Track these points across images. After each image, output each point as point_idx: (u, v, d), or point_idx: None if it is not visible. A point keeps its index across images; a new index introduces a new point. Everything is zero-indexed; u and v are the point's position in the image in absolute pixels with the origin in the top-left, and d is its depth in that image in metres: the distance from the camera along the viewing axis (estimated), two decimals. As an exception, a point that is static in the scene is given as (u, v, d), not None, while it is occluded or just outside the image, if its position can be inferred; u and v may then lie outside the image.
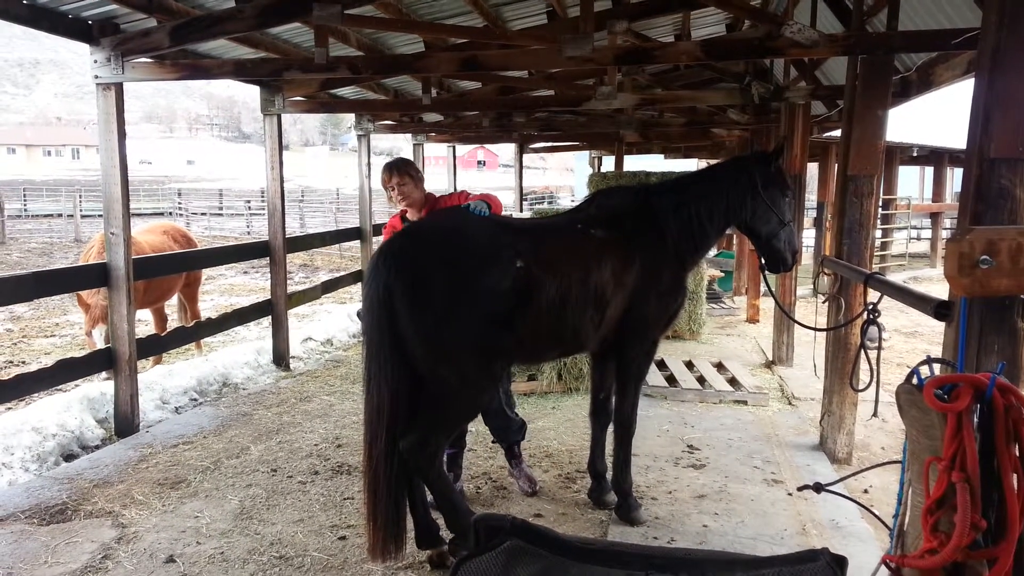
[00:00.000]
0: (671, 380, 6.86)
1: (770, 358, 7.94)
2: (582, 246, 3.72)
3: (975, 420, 2.02)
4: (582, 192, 23.58)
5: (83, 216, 26.96)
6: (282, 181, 7.71)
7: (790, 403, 6.48)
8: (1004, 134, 2.52)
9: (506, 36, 5.84)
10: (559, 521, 4.09)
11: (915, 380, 2.19)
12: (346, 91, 9.19)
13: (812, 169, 15.45)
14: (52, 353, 8.93)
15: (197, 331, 7.29)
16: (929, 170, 23.16)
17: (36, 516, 4.13)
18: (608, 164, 18.59)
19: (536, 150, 16.90)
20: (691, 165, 22.49)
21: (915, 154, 18.67)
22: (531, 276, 3.40)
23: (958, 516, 1.91)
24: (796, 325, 5.53)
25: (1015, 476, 1.99)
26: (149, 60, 5.63)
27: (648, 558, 1.90)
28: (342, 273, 12.23)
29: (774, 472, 4.82)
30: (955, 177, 23.05)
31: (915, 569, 2.04)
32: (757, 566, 1.87)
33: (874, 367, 3.76)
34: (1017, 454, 2.00)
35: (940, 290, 3.58)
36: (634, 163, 18.59)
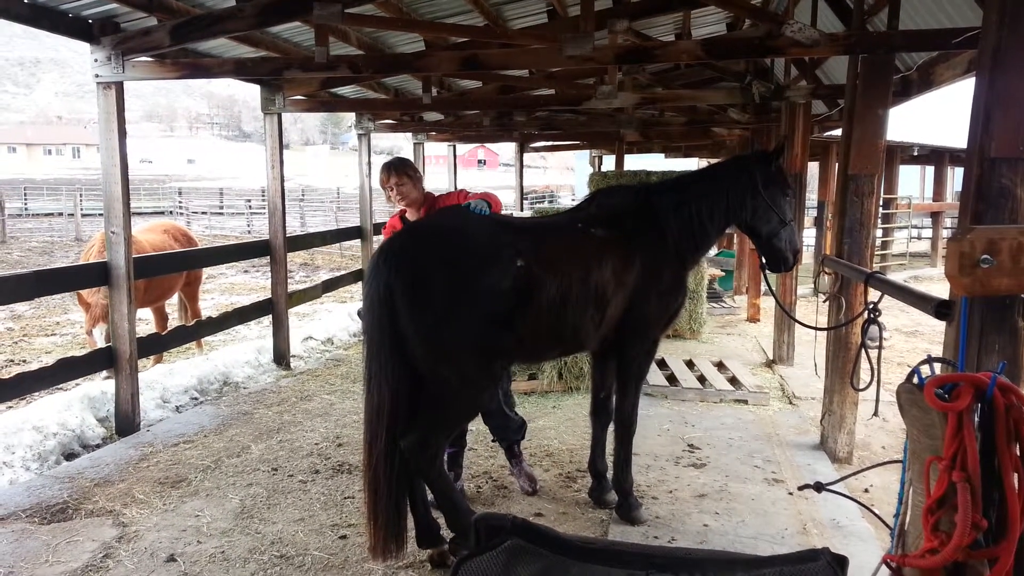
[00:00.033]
0: (672, 379, 6.86)
1: (771, 357, 7.94)
2: (583, 245, 3.72)
3: (976, 419, 2.02)
4: (582, 191, 23.58)
5: (84, 215, 26.97)
6: (282, 180, 7.71)
7: (791, 402, 6.48)
8: (1005, 133, 2.52)
9: (507, 35, 5.85)
10: (560, 520, 4.09)
11: (916, 379, 2.19)
12: (346, 90, 9.19)
13: (813, 168, 15.44)
14: (53, 352, 8.94)
15: (198, 330, 7.29)
16: (930, 169, 23.14)
17: (37, 515, 4.13)
18: (609, 163, 18.58)
19: (536, 149, 16.91)
20: (691, 164, 22.48)
21: (916, 153, 18.66)
22: (532, 275, 3.40)
23: (959, 516, 1.91)
24: (797, 324, 5.53)
25: (1016, 475, 1.99)
26: (149, 59, 5.63)
27: (649, 557, 1.90)
28: (343, 272, 12.23)
29: (775, 471, 4.82)
30: (956, 176, 23.05)
31: (916, 569, 2.04)
32: (758, 565, 1.87)
33: (875, 366, 3.76)
34: (1018, 453, 2.00)
35: (941, 289, 3.58)
36: (634, 162, 18.60)
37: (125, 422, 5.62)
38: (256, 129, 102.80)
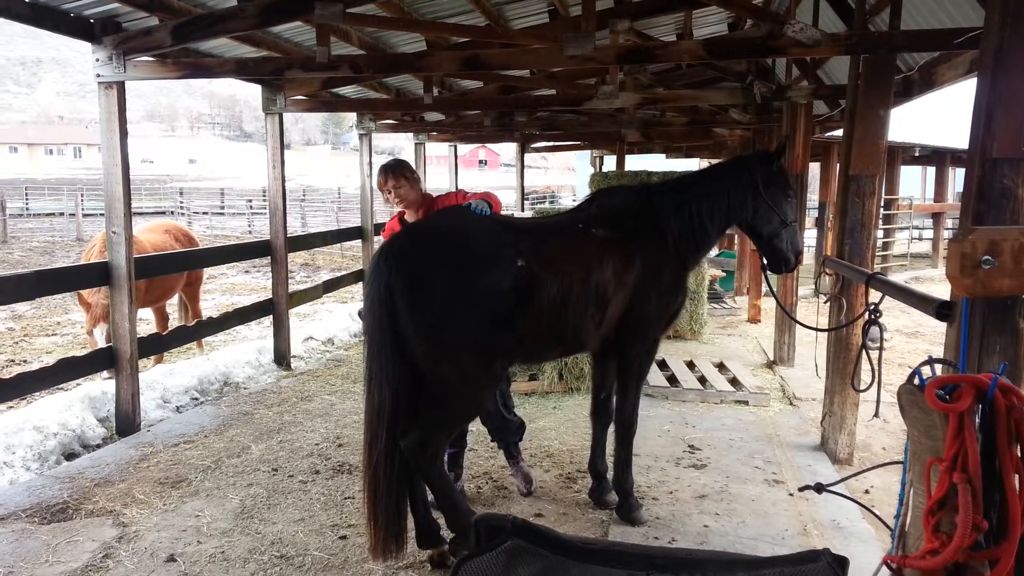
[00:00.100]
0: (672, 380, 6.86)
1: (771, 358, 7.93)
2: (583, 245, 3.72)
3: (977, 421, 2.02)
4: (583, 192, 23.58)
5: (85, 215, 26.97)
6: (284, 180, 7.71)
7: (791, 403, 6.48)
8: (1007, 134, 2.51)
9: (508, 35, 5.85)
10: (560, 521, 4.09)
11: (917, 380, 2.19)
12: (348, 90, 9.19)
13: (814, 169, 15.41)
14: (53, 352, 8.94)
15: (198, 330, 7.29)
16: (931, 170, 23.13)
17: (37, 515, 4.13)
18: (610, 163, 18.59)
19: (538, 149, 16.90)
20: (693, 165, 22.47)
21: (917, 154, 18.64)
22: (532, 275, 3.40)
23: (960, 517, 1.90)
24: (797, 325, 5.53)
25: (1017, 477, 1.98)
26: (151, 59, 5.64)
27: (649, 558, 1.89)
28: (343, 272, 12.24)
29: (775, 472, 4.82)
30: (957, 177, 23.06)
31: (916, 570, 2.04)
32: (758, 566, 1.87)
33: (875, 367, 3.76)
34: (1019, 455, 2.00)
35: (942, 290, 3.57)
36: (636, 163, 18.59)
37: (125, 422, 5.62)
38: (257, 129, 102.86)
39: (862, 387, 4.13)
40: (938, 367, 2.28)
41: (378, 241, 9.30)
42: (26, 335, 10.23)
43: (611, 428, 4.19)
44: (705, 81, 10.80)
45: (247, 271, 17.01)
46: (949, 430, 1.98)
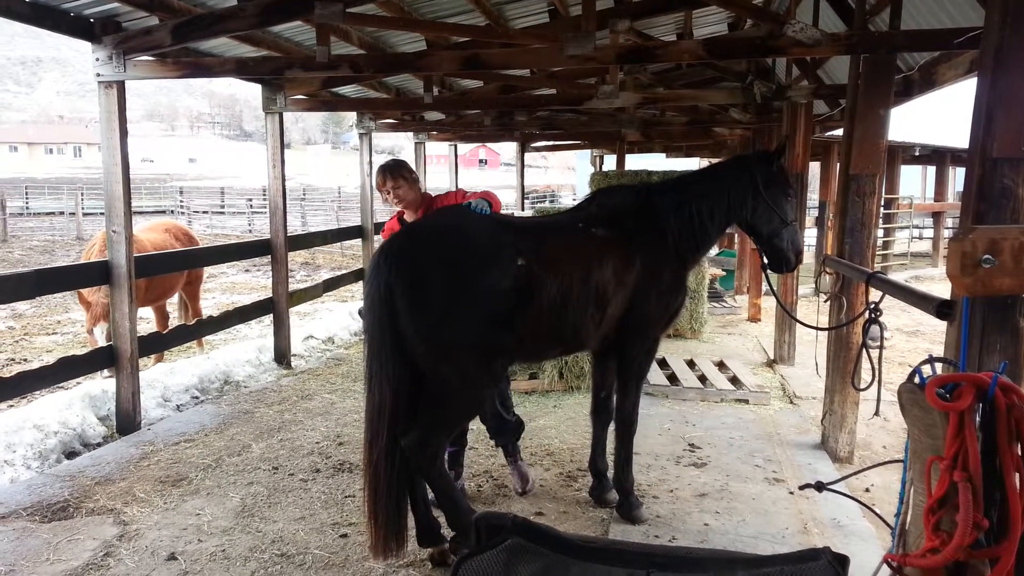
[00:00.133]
0: (672, 379, 6.86)
1: (772, 357, 7.94)
2: (583, 245, 3.72)
3: (977, 419, 2.02)
4: (584, 191, 23.56)
5: (85, 214, 26.97)
6: (284, 179, 7.71)
7: (791, 402, 6.48)
8: (1007, 133, 2.52)
9: (508, 35, 5.85)
10: (560, 519, 4.09)
11: (917, 379, 2.19)
12: (348, 89, 9.18)
13: (814, 168, 15.41)
14: (54, 351, 8.95)
15: (199, 329, 7.30)
16: (931, 169, 23.12)
17: (38, 513, 4.13)
18: (610, 163, 18.58)
19: (538, 149, 16.90)
20: (693, 164, 22.47)
21: (917, 153, 18.64)
22: (532, 275, 3.40)
23: (960, 515, 1.91)
24: (798, 324, 5.53)
25: (1017, 475, 1.99)
26: (151, 58, 5.64)
27: (649, 556, 1.90)
28: (343, 271, 12.23)
29: (775, 471, 4.82)
30: (957, 177, 23.04)
31: (917, 568, 2.04)
32: (758, 565, 1.87)
33: (876, 366, 3.76)
34: (1019, 453, 2.00)
35: (942, 289, 3.58)
36: (636, 162, 18.60)
37: (126, 421, 5.62)
38: (257, 128, 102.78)
39: (862, 386, 4.14)
40: (938, 366, 2.29)
41: (378, 240, 9.30)
42: (26, 334, 10.23)
43: (611, 427, 4.19)
44: (705, 81, 10.80)
45: (247, 270, 17.02)
46: (950, 429, 1.99)
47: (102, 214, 5.85)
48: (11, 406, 6.08)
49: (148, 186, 43.31)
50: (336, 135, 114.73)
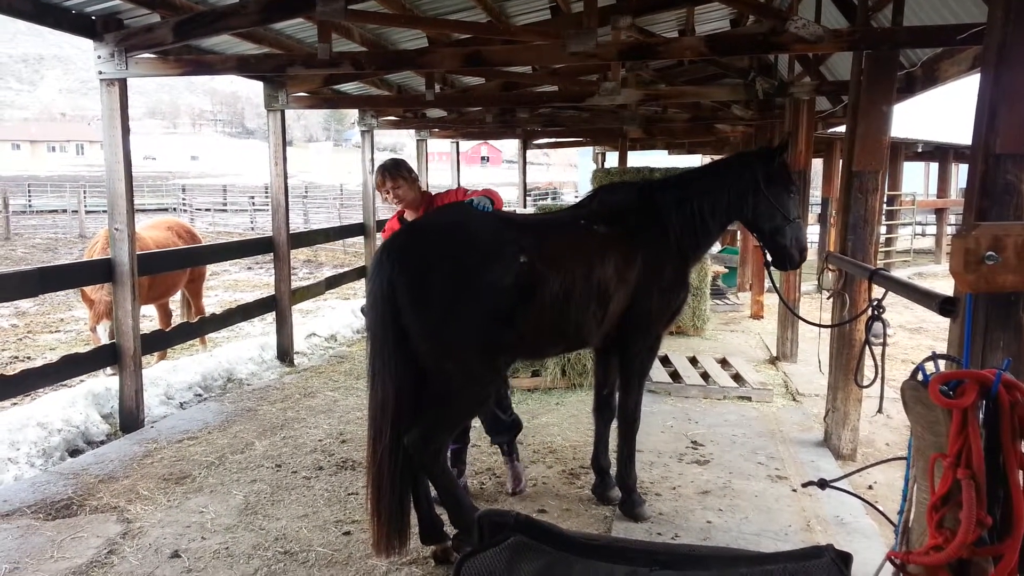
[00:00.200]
0: (675, 376, 6.86)
1: (774, 354, 7.93)
2: (585, 242, 3.72)
3: (980, 416, 2.02)
4: (585, 188, 23.54)
5: (87, 212, 27.02)
6: (286, 177, 7.71)
7: (794, 399, 6.48)
8: (1010, 129, 2.51)
9: (510, 32, 5.83)
10: (563, 517, 4.09)
11: (920, 376, 2.19)
12: (349, 87, 9.19)
13: (817, 165, 15.39)
14: (57, 349, 8.97)
15: (201, 327, 7.31)
16: (934, 166, 23.08)
17: (42, 511, 4.14)
18: (612, 160, 18.57)
19: (540, 146, 16.91)
20: (695, 161, 22.45)
21: (920, 150, 18.61)
22: (534, 272, 3.40)
23: (963, 513, 1.91)
24: (800, 321, 5.52)
25: (1021, 472, 1.98)
26: (153, 56, 5.63)
27: (652, 554, 1.90)
28: (346, 269, 12.24)
29: (778, 468, 4.82)
30: (960, 173, 22.98)
31: (920, 566, 2.04)
32: (761, 562, 1.87)
33: (879, 363, 3.75)
34: (1023, 450, 2.00)
35: (945, 286, 3.57)
36: (638, 159, 18.58)
37: (129, 419, 5.64)
38: (259, 126, 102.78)
39: (865, 383, 4.13)
40: (942, 363, 2.28)
41: (380, 239, 9.31)
42: (30, 332, 10.25)
43: (614, 424, 4.19)
44: (707, 77, 10.79)
45: (250, 268, 17.04)
46: (953, 426, 1.99)
47: (105, 212, 5.85)
48: (15, 404, 6.10)
49: (151, 184, 43.37)
50: (338, 132, 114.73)
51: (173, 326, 7.19)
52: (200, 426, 5.62)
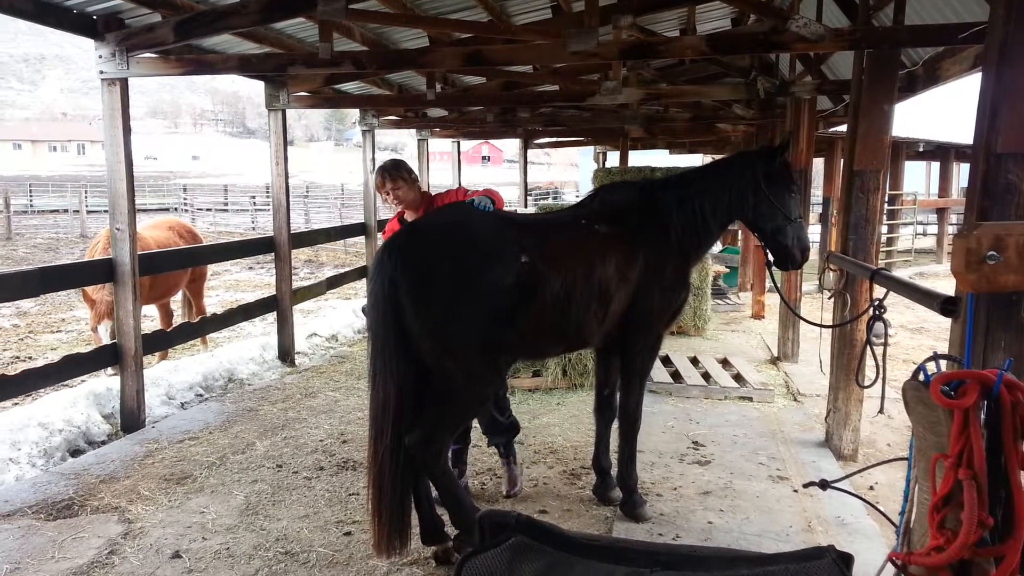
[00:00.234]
0: (676, 376, 6.86)
1: (775, 354, 7.92)
2: (586, 241, 3.71)
3: (982, 417, 2.01)
4: (587, 187, 23.53)
5: (89, 212, 27.04)
6: (287, 176, 7.72)
7: (795, 399, 6.47)
8: (1012, 129, 2.50)
9: (511, 31, 5.83)
10: (564, 517, 4.09)
11: (922, 376, 2.18)
12: (350, 86, 9.19)
13: (818, 164, 15.40)
14: (58, 349, 8.97)
15: (202, 327, 7.31)
16: (935, 165, 23.06)
17: (43, 511, 4.14)
18: (613, 159, 18.55)
19: (541, 145, 16.91)
20: (696, 160, 22.45)
21: (921, 149, 18.58)
22: (536, 271, 3.40)
23: (965, 513, 1.90)
24: (802, 321, 5.52)
25: (1023, 473, 1.98)
26: (154, 55, 5.64)
27: (653, 554, 1.90)
28: (347, 269, 12.25)
29: (779, 468, 4.81)
30: (962, 172, 22.96)
31: (921, 566, 2.04)
32: (762, 563, 1.87)
33: (880, 363, 3.75)
34: (1024, 451, 2.00)
35: (946, 286, 3.56)
36: (639, 158, 18.57)
37: (130, 419, 5.64)
38: (260, 125, 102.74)
39: (866, 383, 4.13)
40: (943, 363, 2.28)
41: (380, 239, 9.31)
42: (31, 332, 10.26)
43: (615, 424, 4.19)
44: (708, 76, 10.78)
45: (251, 267, 17.04)
46: (954, 426, 1.98)
47: (106, 212, 5.85)
48: (16, 404, 6.11)
49: (152, 183, 43.38)
50: (339, 132, 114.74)
51: (174, 326, 7.19)
52: (201, 426, 5.62)
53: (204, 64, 5.80)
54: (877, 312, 3.79)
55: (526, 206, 16.29)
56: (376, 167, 4.21)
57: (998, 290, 2.47)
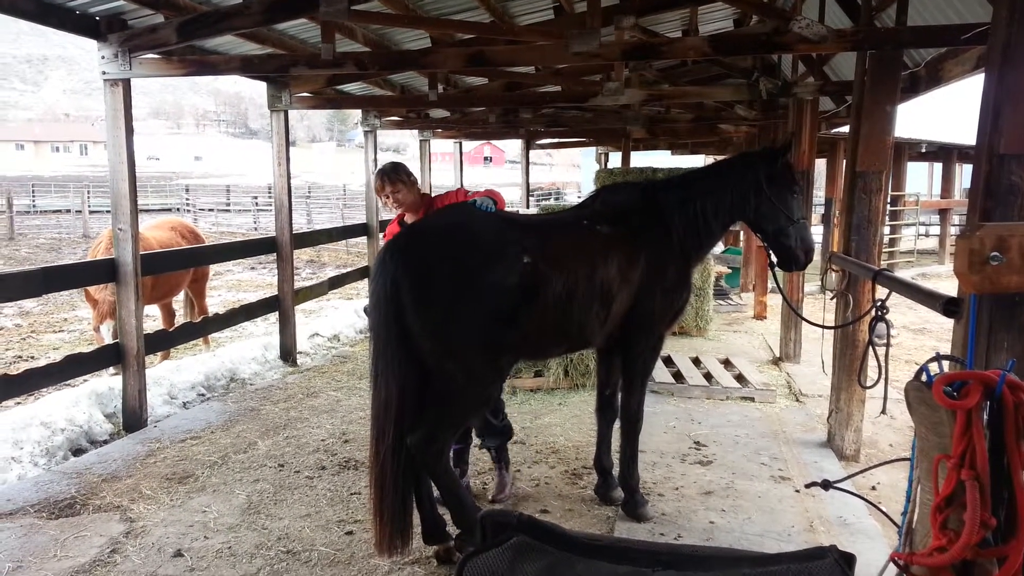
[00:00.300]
0: (678, 376, 6.85)
1: (777, 355, 7.92)
2: (588, 242, 3.71)
3: (985, 417, 2.01)
4: (588, 188, 23.52)
5: (91, 212, 27.08)
6: (289, 177, 7.72)
7: (797, 400, 6.47)
8: (1014, 130, 2.50)
9: (513, 32, 5.83)
10: (565, 517, 4.09)
11: (924, 377, 2.18)
12: (352, 87, 9.20)
13: (820, 165, 15.36)
14: (61, 348, 8.98)
15: (204, 327, 7.31)
16: (938, 166, 23.00)
17: (45, 510, 4.15)
18: (615, 160, 18.55)
19: (543, 146, 16.92)
20: (698, 161, 22.43)
21: (924, 150, 18.55)
22: (537, 272, 3.40)
23: (968, 514, 1.90)
24: (804, 322, 5.51)
25: (1025, 473, 1.98)
26: (156, 56, 5.64)
27: (655, 554, 1.90)
28: (349, 269, 12.25)
29: (781, 469, 4.81)
30: (964, 173, 22.91)
31: (924, 567, 2.04)
32: (764, 563, 1.87)
33: (882, 364, 3.75)
34: (1027, 451, 1.99)
35: (948, 287, 3.56)
36: (641, 159, 18.56)
37: (132, 418, 5.64)
38: (263, 126, 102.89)
39: (869, 384, 4.12)
40: (945, 364, 2.28)
41: (382, 240, 9.31)
42: (33, 331, 10.27)
43: (617, 424, 4.19)
44: (711, 77, 10.78)
45: (253, 268, 17.06)
46: (957, 427, 1.98)
47: (108, 212, 5.87)
48: (18, 403, 6.11)
49: (154, 184, 43.43)
50: (341, 133, 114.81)
51: (176, 326, 7.19)
52: (203, 426, 5.62)
53: (207, 65, 5.81)
54: (879, 313, 3.79)
55: (528, 207, 16.30)
56: (375, 172, 4.21)
57: (1001, 291, 2.46)
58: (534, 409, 6.02)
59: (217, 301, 12.41)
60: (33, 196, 35.21)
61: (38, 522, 4.00)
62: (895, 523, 2.54)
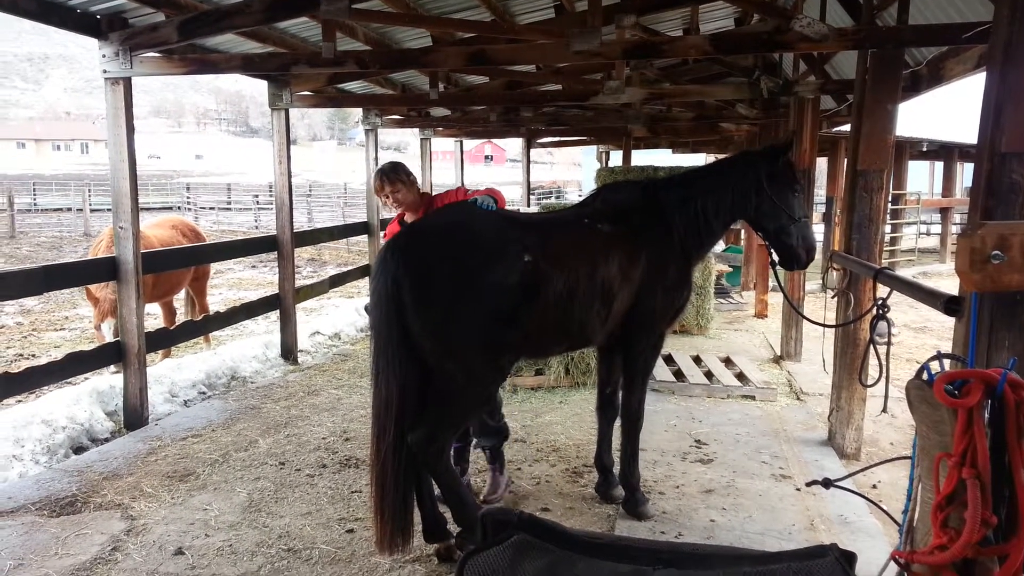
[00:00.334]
0: (679, 375, 6.86)
1: (778, 353, 7.92)
2: (589, 241, 3.71)
3: (986, 416, 2.01)
4: (589, 187, 23.51)
5: (92, 210, 27.08)
6: (290, 176, 7.73)
7: (798, 398, 6.47)
8: (1016, 128, 2.50)
9: (514, 30, 5.83)
10: (566, 515, 4.09)
11: (925, 375, 2.18)
12: (353, 86, 9.20)
13: (821, 164, 15.35)
14: (62, 346, 8.98)
15: (205, 325, 7.32)
16: (939, 165, 22.98)
17: (46, 508, 4.15)
18: (616, 159, 18.54)
19: (544, 145, 16.91)
20: (699, 160, 22.42)
21: (925, 149, 18.53)
22: (538, 270, 3.40)
23: (968, 512, 1.90)
24: (805, 320, 5.51)
25: (1026, 472, 1.98)
26: (157, 55, 5.64)
27: (655, 553, 1.90)
28: (350, 267, 12.25)
29: (782, 467, 4.81)
30: (965, 172, 22.89)
31: (925, 565, 2.04)
32: (765, 561, 1.87)
33: (883, 362, 3.75)
34: (1028, 450, 1.99)
35: (950, 285, 3.56)
36: (642, 158, 18.54)
37: (133, 416, 5.65)
38: (263, 125, 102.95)
39: (870, 382, 4.12)
40: (947, 362, 2.28)
41: (383, 239, 9.31)
42: (34, 330, 10.28)
43: (617, 423, 4.19)
44: (711, 76, 10.77)
45: (254, 266, 17.06)
46: (958, 425, 1.98)
47: (109, 210, 5.87)
48: (19, 401, 6.12)
49: (155, 182, 43.45)
50: (342, 131, 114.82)
51: (177, 324, 7.19)
52: (204, 424, 5.63)
53: (207, 63, 5.81)
54: (880, 311, 3.79)
55: (529, 205, 16.29)
56: (374, 172, 4.21)
57: (1002, 289, 2.46)
58: (535, 407, 6.02)
59: (218, 299, 12.42)
60: (34, 194, 35.24)
61: (39, 520, 4.01)
62: (896, 521, 2.54)
